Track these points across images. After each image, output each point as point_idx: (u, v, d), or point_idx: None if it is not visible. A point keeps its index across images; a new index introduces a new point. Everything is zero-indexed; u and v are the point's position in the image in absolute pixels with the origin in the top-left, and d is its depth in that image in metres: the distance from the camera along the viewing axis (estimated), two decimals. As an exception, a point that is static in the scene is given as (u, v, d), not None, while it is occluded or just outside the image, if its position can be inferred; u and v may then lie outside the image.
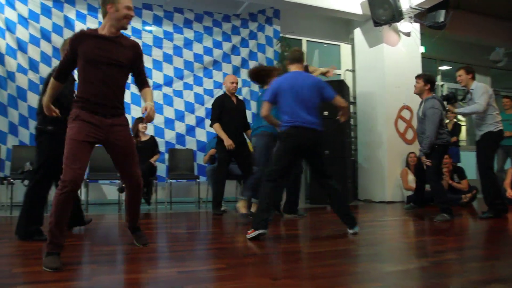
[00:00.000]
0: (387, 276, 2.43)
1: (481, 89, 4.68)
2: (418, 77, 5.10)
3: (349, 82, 8.07)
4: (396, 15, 6.73)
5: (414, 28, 7.49)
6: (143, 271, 2.51)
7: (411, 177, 6.76)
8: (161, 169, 6.44)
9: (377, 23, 6.95)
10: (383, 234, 4.04)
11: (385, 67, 7.26)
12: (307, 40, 8.17)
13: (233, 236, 3.97)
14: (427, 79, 4.98)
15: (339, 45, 8.45)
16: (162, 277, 2.36)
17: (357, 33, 7.85)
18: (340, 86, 6.96)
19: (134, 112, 6.45)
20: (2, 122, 5.98)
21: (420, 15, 7.32)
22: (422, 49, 7.70)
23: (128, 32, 6.70)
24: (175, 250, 3.17)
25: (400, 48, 7.41)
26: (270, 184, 3.59)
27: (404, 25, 7.34)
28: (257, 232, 3.44)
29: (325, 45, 8.43)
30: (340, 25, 8.28)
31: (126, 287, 2.18)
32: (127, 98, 6.54)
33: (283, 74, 3.92)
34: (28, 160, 5.42)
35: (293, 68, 3.89)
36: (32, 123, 6.06)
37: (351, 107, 7.79)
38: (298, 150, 3.69)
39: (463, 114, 5.24)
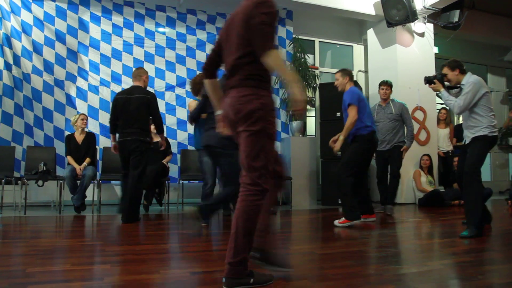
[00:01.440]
0: (400, 278, 2.41)
1: (469, 87, 3.86)
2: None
3: (361, 83, 8.03)
4: (410, 16, 6.68)
5: (428, 28, 7.43)
6: (155, 272, 2.52)
7: (424, 179, 6.70)
8: (173, 170, 6.47)
9: (391, 24, 6.90)
10: (397, 236, 4.02)
11: (398, 68, 7.21)
12: (320, 41, 8.15)
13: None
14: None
15: (351, 46, 8.42)
16: (175, 278, 2.37)
17: (370, 33, 7.80)
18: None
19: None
20: (18, 123, 6.08)
21: (434, 15, 7.25)
22: (435, 50, 7.63)
23: (141, 34, 6.81)
24: (187, 251, 3.18)
25: (414, 49, 7.35)
26: (352, 180, 4.37)
27: (417, 26, 7.28)
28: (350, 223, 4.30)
29: (337, 46, 8.40)
30: (353, 25, 8.25)
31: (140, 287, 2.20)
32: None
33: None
34: (42, 161, 5.50)
35: (351, 84, 4.67)
36: (47, 125, 6.16)
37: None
38: (373, 151, 4.71)
39: (443, 100, 4.14)
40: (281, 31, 7.56)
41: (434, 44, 7.53)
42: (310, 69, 7.39)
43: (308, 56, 7.42)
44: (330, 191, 6.72)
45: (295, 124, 6.96)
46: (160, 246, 3.06)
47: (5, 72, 6.05)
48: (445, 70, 4.03)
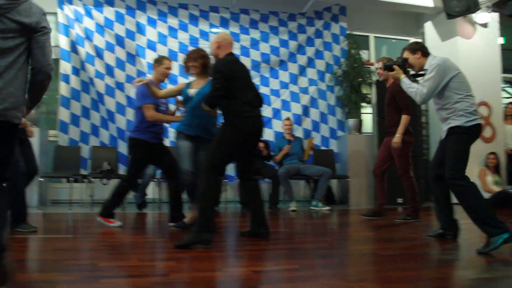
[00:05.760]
0: (470, 283, 2.31)
1: (432, 70, 3.24)
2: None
3: (420, 78, 7.74)
4: (472, 6, 6.38)
5: (492, 18, 7.04)
6: (217, 269, 2.57)
7: (490, 178, 6.37)
8: (230, 168, 6.55)
9: (450, 16, 6.62)
10: (462, 239, 3.84)
11: (460, 61, 6.85)
12: (375, 36, 7.95)
13: (304, 237, 3.95)
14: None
15: (408, 40, 8.13)
16: (237, 276, 2.41)
17: (428, 26, 7.52)
18: (410, 82, 6.73)
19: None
20: (85, 124, 6.45)
21: (499, 4, 6.86)
22: (501, 40, 7.22)
23: (195, 35, 6.95)
24: (247, 249, 3.21)
25: (476, 41, 7.00)
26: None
27: (480, 16, 6.92)
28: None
29: (393, 40, 8.16)
30: (409, 19, 7.97)
31: (203, 285, 2.25)
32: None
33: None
34: (105, 160, 5.77)
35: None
36: (111, 125, 6.46)
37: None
38: None
39: (405, 89, 3.49)
40: (335, 28, 7.46)
41: (499, 34, 7.12)
42: (365, 65, 7.24)
43: (363, 52, 7.27)
44: (389, 190, 6.53)
45: (351, 121, 6.84)
46: (221, 244, 3.11)
47: (73, 77, 6.43)
48: (406, 54, 3.49)
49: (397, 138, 4.59)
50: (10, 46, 1.98)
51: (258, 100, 3.43)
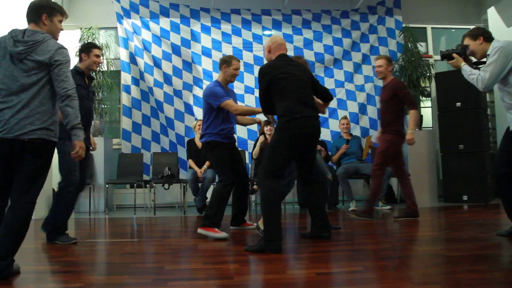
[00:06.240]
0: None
1: (494, 53, 2.98)
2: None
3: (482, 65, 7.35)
4: (540, -12, 5.96)
5: None
6: (281, 272, 2.59)
7: None
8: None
9: (517, 0, 6.23)
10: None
11: (528, 48, 6.46)
12: (432, 27, 7.65)
13: (366, 238, 3.89)
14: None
15: (469, 28, 7.74)
16: (302, 279, 2.42)
17: (491, 12, 7.10)
18: (473, 73, 6.41)
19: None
20: (146, 132, 6.73)
21: None
22: None
23: (249, 39, 7.03)
24: (310, 251, 3.20)
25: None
26: None
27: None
28: None
29: (453, 30, 7.80)
30: (470, 6, 7.61)
31: (269, 287, 2.28)
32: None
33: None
34: (166, 166, 5.99)
35: None
36: (170, 132, 6.70)
37: (487, 95, 7.08)
38: None
39: (466, 77, 3.23)
40: (389, 22, 7.26)
41: None
42: (424, 58, 6.98)
43: (420, 45, 7.01)
44: (453, 186, 6.29)
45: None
46: (283, 246, 3.12)
47: (133, 87, 6.74)
48: (467, 41, 3.23)
49: (410, 135, 4.53)
50: (33, 81, 2.44)
51: (311, 99, 3.35)
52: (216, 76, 6.78)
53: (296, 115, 3.18)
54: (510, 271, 2.54)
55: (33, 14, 2.57)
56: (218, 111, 3.87)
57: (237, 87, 6.83)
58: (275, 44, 3.49)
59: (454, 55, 3.24)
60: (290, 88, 3.25)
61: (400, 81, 5.23)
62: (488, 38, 3.16)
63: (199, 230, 3.71)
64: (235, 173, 3.93)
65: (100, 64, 3.99)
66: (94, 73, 5.75)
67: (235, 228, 4.15)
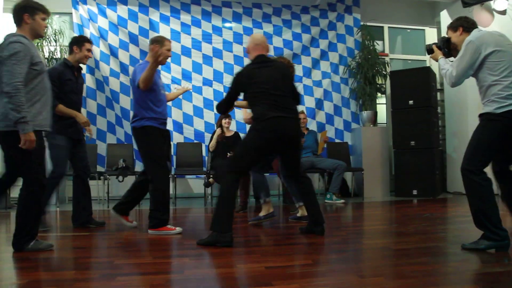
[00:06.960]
0: (484, 278, 2.30)
1: (462, 48, 2.83)
2: None
3: (435, 68, 7.63)
4: (489, -7, 6.22)
5: (510, 4, 6.87)
6: (232, 266, 2.61)
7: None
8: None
9: (467, 4, 6.49)
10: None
11: (477, 50, 6.75)
12: (389, 27, 7.86)
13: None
14: None
15: (423, 29, 8.02)
16: (251, 273, 2.44)
17: (444, 15, 7.38)
18: (425, 72, 6.65)
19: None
20: (102, 122, 6.55)
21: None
22: (519, 28, 7.04)
23: (208, 30, 6.97)
24: (262, 244, 3.23)
25: (494, 29, 6.83)
26: None
27: (498, 3, 6.76)
28: None
29: (408, 30, 8.05)
30: (425, 8, 7.85)
31: (218, 281, 2.28)
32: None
33: None
34: (121, 157, 5.85)
35: None
36: (126, 123, 6.54)
37: (438, 94, 7.37)
38: None
39: (440, 71, 3.09)
40: (348, 20, 7.40)
41: (517, 22, 6.95)
42: (380, 57, 7.17)
43: (377, 43, 7.19)
44: (404, 181, 6.53)
45: (365, 114, 6.80)
46: (236, 240, 3.13)
47: (88, 76, 6.51)
48: (449, 33, 3.03)
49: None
50: None
51: (283, 101, 3.34)
52: (173, 67, 6.77)
53: (266, 117, 3.24)
54: (448, 263, 2.68)
55: (15, 16, 2.75)
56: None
57: (195, 79, 6.79)
58: (252, 45, 3.59)
59: (434, 47, 3.11)
60: (261, 95, 3.31)
61: None
62: (467, 28, 2.93)
63: (151, 231, 3.68)
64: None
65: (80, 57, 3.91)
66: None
67: (115, 213, 4.11)
